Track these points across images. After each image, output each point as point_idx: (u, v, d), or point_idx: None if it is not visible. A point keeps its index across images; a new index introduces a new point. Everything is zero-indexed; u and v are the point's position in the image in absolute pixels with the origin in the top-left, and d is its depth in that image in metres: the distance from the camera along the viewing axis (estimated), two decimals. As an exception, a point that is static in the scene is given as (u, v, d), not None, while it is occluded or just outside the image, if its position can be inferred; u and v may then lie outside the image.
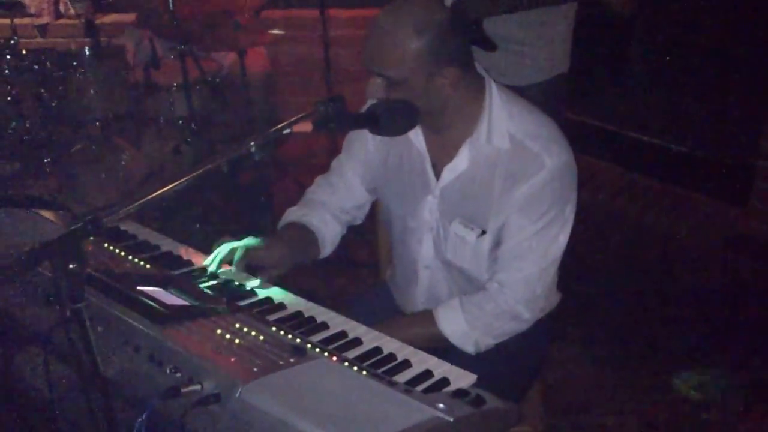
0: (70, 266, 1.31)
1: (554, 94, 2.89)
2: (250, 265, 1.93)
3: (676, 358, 3.27)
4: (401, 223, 2.11)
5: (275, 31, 4.44)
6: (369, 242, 3.72)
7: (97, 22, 4.40)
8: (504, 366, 1.94)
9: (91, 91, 3.83)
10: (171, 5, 3.72)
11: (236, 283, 1.85)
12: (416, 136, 1.99)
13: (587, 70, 4.80)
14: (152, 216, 3.42)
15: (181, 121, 4.13)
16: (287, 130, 1.63)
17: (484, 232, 1.93)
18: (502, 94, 1.93)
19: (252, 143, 1.55)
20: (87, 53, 3.86)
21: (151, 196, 1.44)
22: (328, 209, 2.16)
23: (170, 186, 1.47)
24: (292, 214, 2.15)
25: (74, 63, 3.84)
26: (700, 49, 5.19)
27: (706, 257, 4.05)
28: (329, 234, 2.15)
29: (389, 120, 1.84)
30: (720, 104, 4.95)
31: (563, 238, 1.94)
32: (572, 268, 2.15)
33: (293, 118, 1.65)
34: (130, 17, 4.72)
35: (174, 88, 4.07)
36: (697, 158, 4.60)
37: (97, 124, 3.91)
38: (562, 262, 2.01)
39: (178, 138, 4.16)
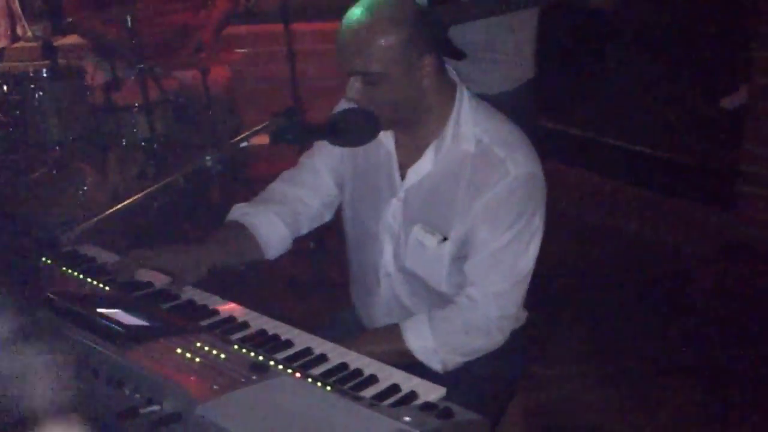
0: (25, 285, 1.35)
1: (526, 101, 2.95)
2: (159, 270, 1.93)
3: (667, 371, 3.30)
4: (362, 228, 2.13)
5: (239, 50, 4.48)
6: (340, 261, 3.77)
7: (56, 44, 4.42)
8: (475, 385, 1.96)
9: (50, 114, 3.85)
10: (129, 24, 3.75)
11: (199, 302, 1.87)
12: (386, 137, 2.03)
13: (566, 76, 4.91)
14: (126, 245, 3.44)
15: (144, 143, 4.15)
16: (244, 144, 1.68)
17: (445, 239, 1.96)
18: (472, 100, 1.99)
19: (208, 157, 1.59)
20: (45, 75, 3.88)
21: (106, 213, 1.48)
22: (281, 207, 2.15)
23: (126, 202, 1.50)
24: (236, 212, 2.14)
25: (32, 86, 3.86)
26: (679, 51, 5.30)
27: (691, 263, 4.11)
28: (273, 235, 2.12)
29: (349, 130, 1.88)
30: (701, 108, 5.06)
31: (533, 250, 1.97)
32: (554, 281, 2.19)
33: (249, 132, 1.69)
34: (81, 40, 4.74)
35: (135, 109, 4.10)
36: (679, 164, 4.68)
37: (57, 148, 3.92)
38: (541, 276, 2.05)
39: (142, 161, 4.19)
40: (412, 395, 1.54)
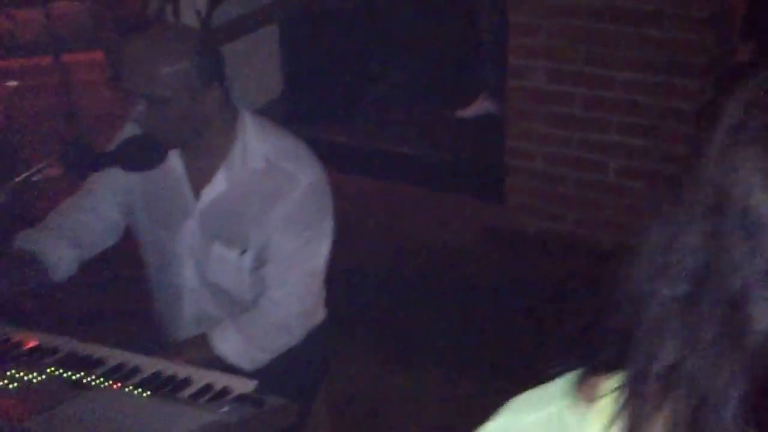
0: None
1: (276, 116, 3.12)
2: None
3: (456, 359, 3.60)
4: (160, 249, 2.23)
5: (12, 83, 4.39)
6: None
7: None
8: (284, 377, 2.11)
9: None
10: None
11: (2, 336, 1.90)
12: (176, 160, 2.13)
13: (332, 89, 5.18)
14: None
15: None
16: (37, 177, 1.75)
17: (245, 251, 2.11)
18: (255, 119, 2.13)
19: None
20: None
21: None
22: (64, 231, 2.17)
23: None
24: (19, 239, 2.15)
25: None
26: (442, 59, 5.73)
27: (466, 254, 4.45)
28: (57, 258, 2.13)
29: (137, 156, 1.99)
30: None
31: (325, 250, 2.15)
32: (340, 283, 2.38)
33: (41, 164, 1.76)
34: None
35: None
36: (450, 162, 5.06)
37: None
38: (330, 278, 2.24)
39: None
40: (226, 390, 1.68)
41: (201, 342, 2.10)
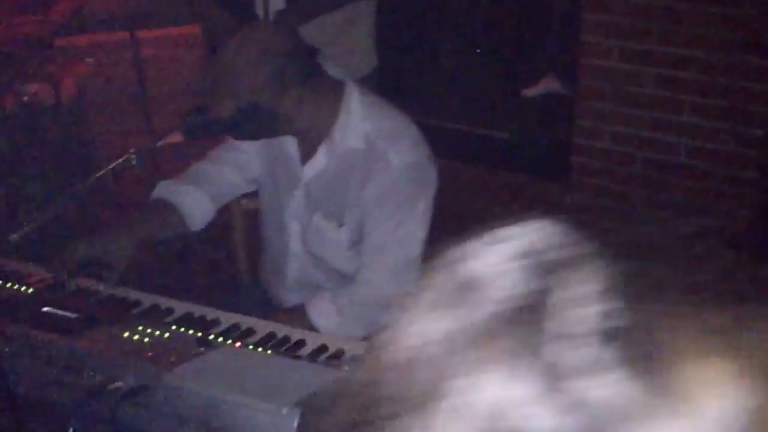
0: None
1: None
2: (94, 261, 2.04)
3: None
4: (273, 214, 2.33)
5: (88, 60, 4.49)
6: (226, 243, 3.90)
7: None
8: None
9: None
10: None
11: (119, 296, 1.99)
12: (288, 136, 2.21)
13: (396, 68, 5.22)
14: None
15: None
16: (160, 143, 1.83)
17: (341, 225, 2.18)
18: (364, 96, 2.17)
19: (133, 155, 1.73)
20: None
21: (42, 218, 1.60)
22: (205, 183, 2.28)
23: (58, 205, 1.63)
24: (160, 189, 2.26)
25: None
26: (511, 35, 5.75)
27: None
28: (196, 209, 2.26)
29: (247, 126, 2.06)
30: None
31: (421, 233, 2.16)
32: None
33: (165, 131, 1.84)
34: None
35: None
36: (516, 141, 5.09)
37: None
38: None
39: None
40: (341, 351, 1.76)
41: (298, 313, 2.17)
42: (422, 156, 2.15)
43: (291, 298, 2.34)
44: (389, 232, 2.14)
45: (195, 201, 2.27)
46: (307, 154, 2.21)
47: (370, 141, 2.12)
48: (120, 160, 1.73)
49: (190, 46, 5.54)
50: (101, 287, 2.00)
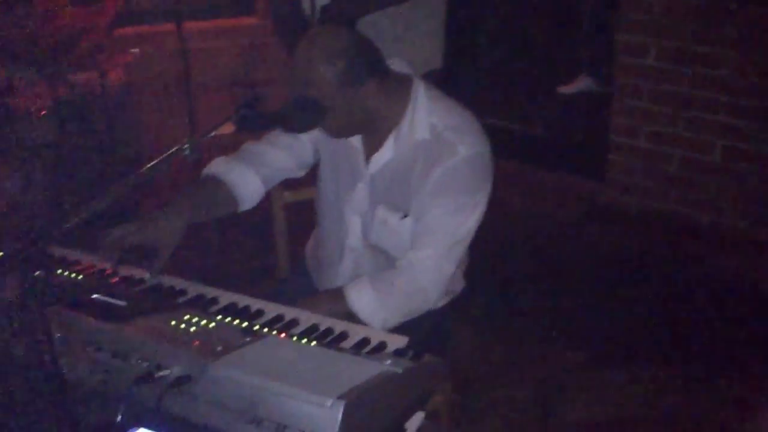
0: (36, 273, 1.47)
1: None
2: (141, 247, 2.04)
3: (560, 328, 3.64)
4: (331, 206, 2.34)
5: (134, 50, 4.52)
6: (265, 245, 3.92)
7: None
8: (416, 341, 2.18)
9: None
10: (30, 26, 3.74)
11: (166, 284, 2.00)
12: None
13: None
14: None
15: (42, 148, 4.14)
16: (212, 133, 1.83)
17: (405, 216, 2.18)
18: (429, 91, 2.19)
19: (186, 145, 1.74)
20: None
21: (95, 206, 1.61)
22: (257, 165, 2.30)
23: (114, 192, 1.64)
24: (213, 167, 2.29)
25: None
26: (545, 34, 5.70)
27: (571, 231, 4.47)
28: (249, 189, 2.28)
29: (297, 118, 2.06)
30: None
31: (473, 222, 2.18)
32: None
33: (217, 122, 1.84)
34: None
35: (33, 114, 4.08)
36: (552, 138, 5.05)
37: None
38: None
39: (35, 165, 4.17)
40: (382, 345, 1.75)
41: (336, 295, 2.16)
42: (487, 149, 2.18)
43: None
44: (444, 216, 2.14)
45: (247, 180, 2.29)
46: (372, 147, 2.23)
47: (437, 132, 2.14)
48: (173, 149, 1.73)
49: (234, 38, 5.56)
50: (147, 275, 2.01)
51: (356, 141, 2.25)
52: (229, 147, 2.31)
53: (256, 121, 1.88)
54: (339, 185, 2.33)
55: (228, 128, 1.83)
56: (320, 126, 2.12)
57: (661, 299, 3.80)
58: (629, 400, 3.23)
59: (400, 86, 2.19)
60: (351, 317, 2.12)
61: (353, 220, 2.30)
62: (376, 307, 2.13)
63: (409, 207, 2.18)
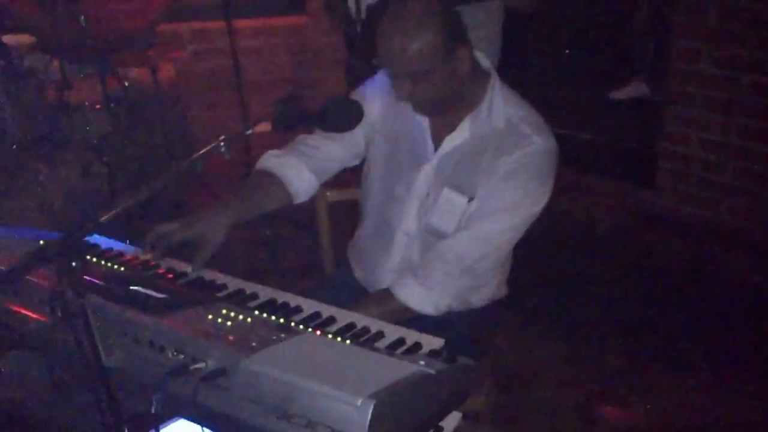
0: (73, 264, 1.48)
1: None
2: (188, 241, 2.07)
3: (606, 332, 3.60)
4: (387, 190, 2.33)
5: (186, 47, 4.57)
6: (296, 248, 3.95)
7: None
8: (458, 343, 2.17)
9: (9, 115, 3.88)
10: (83, 23, 3.80)
11: (207, 278, 2.01)
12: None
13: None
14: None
15: (96, 141, 4.22)
16: (248, 131, 1.84)
17: (471, 199, 2.18)
18: (504, 87, 2.21)
19: (222, 142, 1.75)
20: (-1, 76, 3.91)
21: (134, 199, 1.63)
22: (311, 158, 2.33)
23: (151, 187, 1.65)
24: (266, 161, 2.33)
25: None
26: (598, 41, 5.63)
27: (620, 237, 4.41)
28: (302, 184, 2.32)
29: (338, 116, 2.06)
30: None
31: (534, 211, 2.18)
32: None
33: (255, 120, 1.85)
34: (30, 38, 4.74)
35: (87, 107, 4.16)
36: (602, 144, 4.98)
37: (14, 147, 3.96)
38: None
39: (92, 158, 4.25)
40: (417, 345, 1.74)
41: (384, 295, 2.18)
42: (555, 147, 2.18)
43: (385, 282, 2.32)
44: (511, 198, 2.15)
45: (300, 174, 2.31)
46: (442, 129, 2.23)
47: (512, 123, 2.16)
48: (209, 146, 1.74)
49: (286, 36, 5.59)
50: (189, 269, 2.03)
51: (425, 122, 2.25)
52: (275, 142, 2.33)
53: (292, 120, 1.88)
54: (394, 167, 2.32)
55: (265, 126, 1.84)
56: (412, 97, 2.12)
57: (710, 307, 3.73)
58: (675, 406, 3.18)
59: (481, 71, 2.21)
60: (402, 312, 2.14)
61: (411, 203, 2.29)
62: (423, 292, 2.15)
63: (475, 191, 2.18)
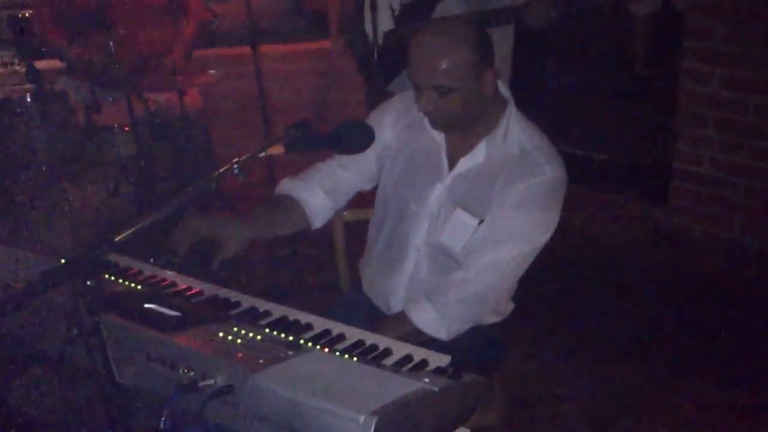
0: (88, 282, 1.49)
1: None
2: (208, 240, 2.11)
3: (620, 349, 3.56)
4: (400, 207, 2.34)
5: (212, 72, 4.60)
6: (318, 266, 3.94)
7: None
8: (467, 359, 2.15)
9: (38, 138, 3.91)
10: (112, 48, 3.84)
11: (221, 297, 2.01)
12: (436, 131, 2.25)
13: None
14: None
15: (123, 162, 4.24)
16: (262, 153, 1.84)
17: (482, 221, 2.19)
18: (519, 114, 2.23)
19: (236, 164, 1.75)
20: (30, 100, 3.94)
21: (150, 219, 1.63)
22: (327, 184, 2.36)
23: (167, 207, 1.66)
24: (285, 186, 2.37)
25: (18, 110, 3.92)
26: (612, 60, 5.60)
27: (632, 254, 4.36)
28: (319, 208, 2.36)
29: (349, 139, 2.05)
30: (634, 111, 5.37)
31: (542, 241, 2.19)
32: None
33: (267, 142, 1.85)
34: (61, 64, 4.79)
35: (116, 129, 4.18)
36: (616, 163, 4.95)
37: (44, 168, 3.99)
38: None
39: (119, 178, 4.27)
40: (424, 363, 1.72)
41: (399, 318, 2.20)
42: (565, 176, 2.19)
43: (396, 305, 2.34)
44: (520, 227, 2.16)
45: (318, 199, 2.35)
46: (459, 150, 2.25)
47: (526, 150, 2.17)
48: (223, 168, 1.75)
49: (310, 61, 5.61)
50: (205, 287, 2.03)
51: (441, 140, 2.27)
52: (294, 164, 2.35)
53: (304, 143, 1.88)
54: (408, 185, 2.33)
55: (277, 149, 1.84)
56: (436, 110, 2.13)
57: (723, 325, 3.68)
58: (689, 424, 3.13)
59: (501, 97, 2.23)
60: (416, 335, 2.15)
61: (422, 220, 2.30)
62: (437, 318, 2.16)
63: (486, 214, 2.19)
